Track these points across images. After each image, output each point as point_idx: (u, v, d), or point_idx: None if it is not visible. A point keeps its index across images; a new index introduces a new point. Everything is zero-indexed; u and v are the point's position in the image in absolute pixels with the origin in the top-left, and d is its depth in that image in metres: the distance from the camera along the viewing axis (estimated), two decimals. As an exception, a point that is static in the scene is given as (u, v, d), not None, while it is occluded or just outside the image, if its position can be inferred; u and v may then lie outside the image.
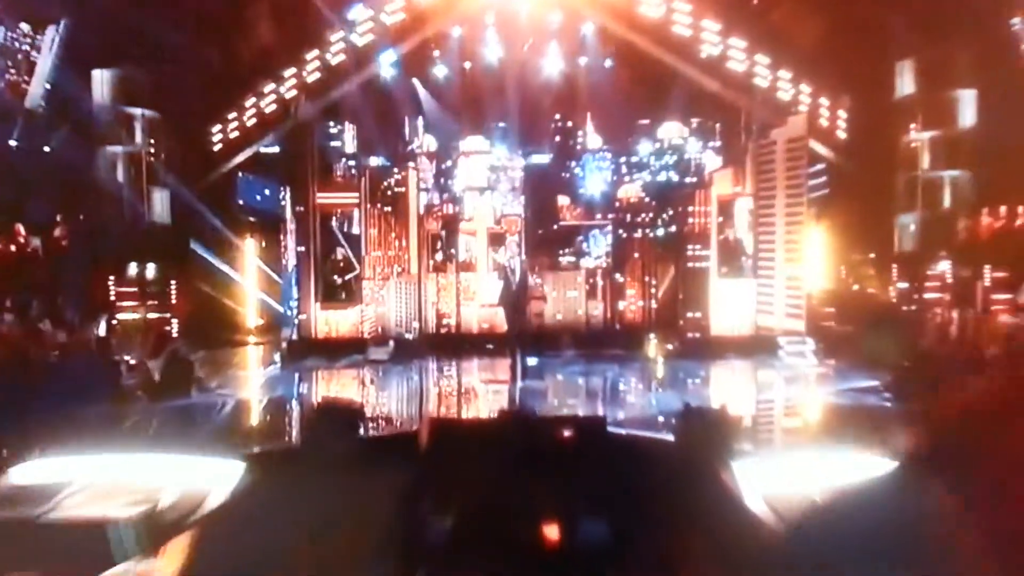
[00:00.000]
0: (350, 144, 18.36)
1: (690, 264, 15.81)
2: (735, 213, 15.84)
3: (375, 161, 17.48)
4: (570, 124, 18.45)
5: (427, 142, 18.14)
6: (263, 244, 17.44)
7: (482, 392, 13.45)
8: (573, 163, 18.30)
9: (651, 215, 16.83)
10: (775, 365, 14.63)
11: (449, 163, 17.92)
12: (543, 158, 17.79)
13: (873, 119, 16.81)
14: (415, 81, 18.52)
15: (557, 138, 18.29)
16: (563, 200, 17.49)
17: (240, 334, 17.19)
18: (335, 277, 16.37)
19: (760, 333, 15.59)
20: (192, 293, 16.62)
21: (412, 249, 15.97)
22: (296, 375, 14.34)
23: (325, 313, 15.81)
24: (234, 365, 15.30)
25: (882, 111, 16.78)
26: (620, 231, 16.69)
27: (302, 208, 15.89)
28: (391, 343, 15.58)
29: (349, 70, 17.49)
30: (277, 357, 15.42)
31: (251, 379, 14.65)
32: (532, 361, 14.42)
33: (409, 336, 15.70)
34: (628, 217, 16.81)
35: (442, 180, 17.73)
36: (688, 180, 17.38)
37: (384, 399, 13.12)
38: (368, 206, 15.99)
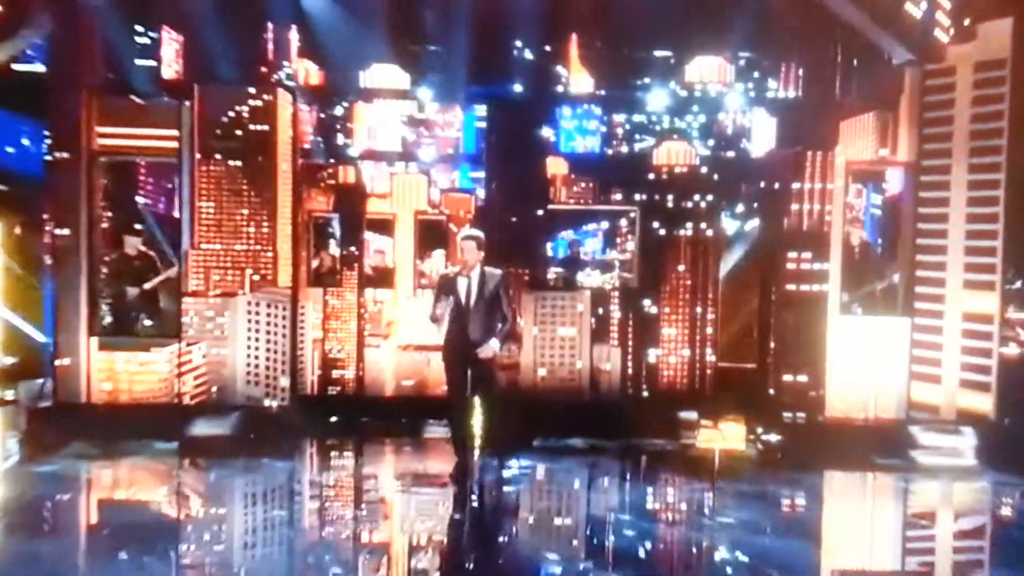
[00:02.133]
0: (170, 59, 13.51)
1: (788, 287, 11.00)
2: (873, 199, 11.73)
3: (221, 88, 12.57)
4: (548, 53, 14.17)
5: (304, 69, 13.82)
6: (17, 229, 12.76)
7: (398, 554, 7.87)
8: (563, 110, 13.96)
9: (713, 198, 11.77)
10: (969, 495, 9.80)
11: (345, 106, 13.49)
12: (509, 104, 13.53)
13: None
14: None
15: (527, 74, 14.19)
16: (557, 168, 12.87)
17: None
18: (128, 289, 11.52)
19: (916, 415, 10.91)
20: None
21: (280, 242, 11.14)
22: (35, 487, 9.13)
23: (107, 356, 10.99)
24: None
25: None
26: (654, 224, 11.75)
27: (68, 155, 10.73)
28: (234, 416, 10.86)
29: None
30: (13, 442, 10.51)
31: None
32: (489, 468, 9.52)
33: (271, 403, 11.10)
34: (670, 200, 11.75)
35: (334, 132, 13.37)
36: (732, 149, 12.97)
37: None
38: (198, 157, 10.90)
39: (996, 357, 10.62)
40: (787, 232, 11.00)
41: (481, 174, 12.84)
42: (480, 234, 9.27)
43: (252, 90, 11.06)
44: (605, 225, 13.16)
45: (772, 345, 11.17)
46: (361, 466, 10.74)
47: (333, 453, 11.09)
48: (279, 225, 11.15)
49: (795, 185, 10.97)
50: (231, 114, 10.94)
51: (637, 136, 13.27)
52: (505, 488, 9.40)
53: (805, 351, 10.95)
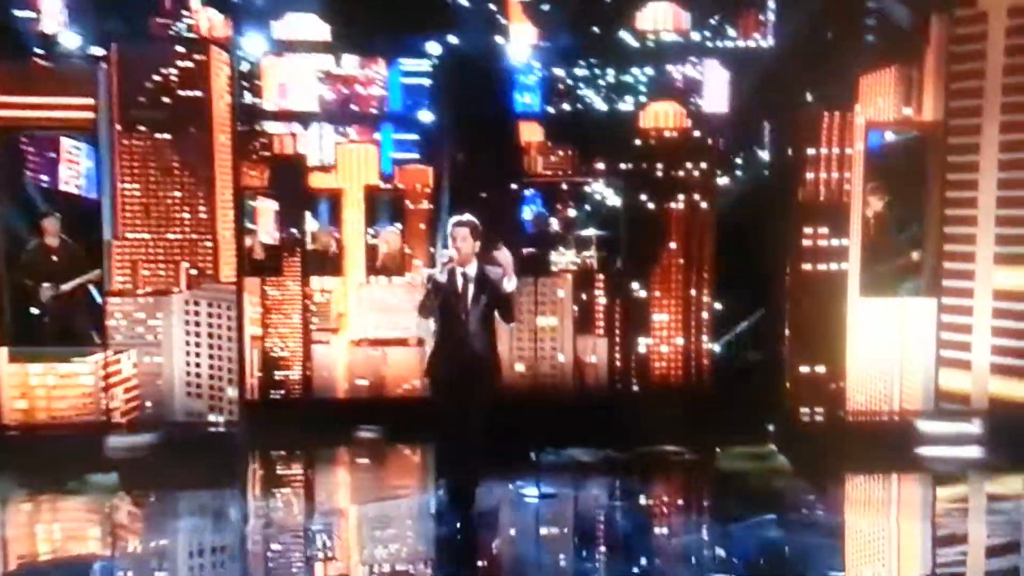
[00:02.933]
0: (52, 10, 12.34)
1: (805, 266, 10.42)
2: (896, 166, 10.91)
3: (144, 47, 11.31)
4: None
5: (207, 19, 12.90)
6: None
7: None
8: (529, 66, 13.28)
9: (708, 166, 11.23)
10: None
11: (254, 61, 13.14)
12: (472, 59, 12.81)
13: None
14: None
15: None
16: (531, 134, 11.95)
17: None
18: (43, 287, 10.56)
19: (947, 407, 10.54)
20: None
21: (221, 228, 10.20)
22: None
23: (20, 368, 10.08)
24: None
25: None
26: (640, 195, 11.23)
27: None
28: (168, 434, 10.00)
29: None
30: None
31: None
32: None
33: (216, 417, 10.18)
34: (659, 169, 11.16)
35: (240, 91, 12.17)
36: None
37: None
38: (118, 129, 9.90)
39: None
40: (802, 204, 10.36)
41: (410, 136, 12.40)
42: (475, 220, 8.14)
43: (181, 49, 9.94)
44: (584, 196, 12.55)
45: (788, 333, 10.58)
46: (317, 493, 10.13)
47: (281, 472, 10.46)
48: (218, 208, 10.14)
49: (810, 150, 10.31)
50: (157, 78, 9.82)
51: (618, 96, 12.85)
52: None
53: (822, 339, 10.40)
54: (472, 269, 8.12)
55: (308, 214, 11.67)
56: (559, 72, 13.51)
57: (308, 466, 10.70)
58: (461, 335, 8.07)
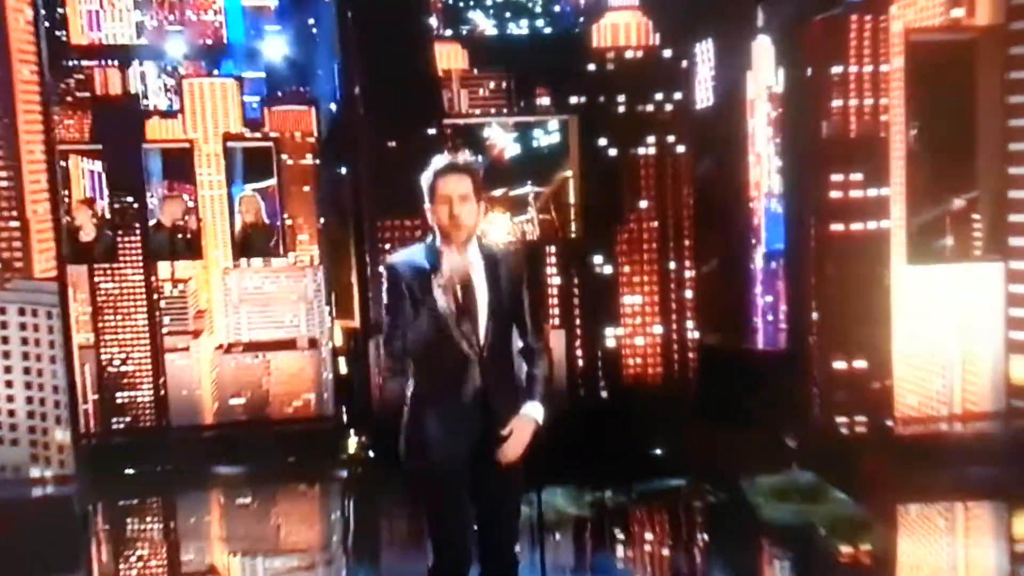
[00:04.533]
0: None
1: (833, 226, 8.49)
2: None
3: None
4: None
5: None
6: None
7: None
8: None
9: (684, 96, 9.22)
10: None
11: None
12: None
13: None
14: None
15: None
16: (451, 59, 9.69)
17: None
18: None
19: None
20: None
21: (31, 202, 7.99)
22: None
23: None
24: None
25: None
26: (599, 140, 9.22)
27: None
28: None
29: None
30: None
31: None
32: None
33: (40, 471, 7.96)
34: (620, 103, 9.19)
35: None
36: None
37: None
38: None
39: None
40: (825, 143, 8.45)
41: (255, 74, 9.94)
42: (476, 164, 4.21)
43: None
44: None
45: (816, 316, 8.63)
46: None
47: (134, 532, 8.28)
48: (26, 174, 7.91)
49: (834, 68, 8.36)
50: None
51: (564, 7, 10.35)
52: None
53: (861, 323, 8.51)
54: (473, 255, 4.17)
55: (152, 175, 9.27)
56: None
57: (168, 518, 8.70)
58: (467, 374, 4.27)
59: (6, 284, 7.85)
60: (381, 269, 4.65)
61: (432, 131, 9.00)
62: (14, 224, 7.86)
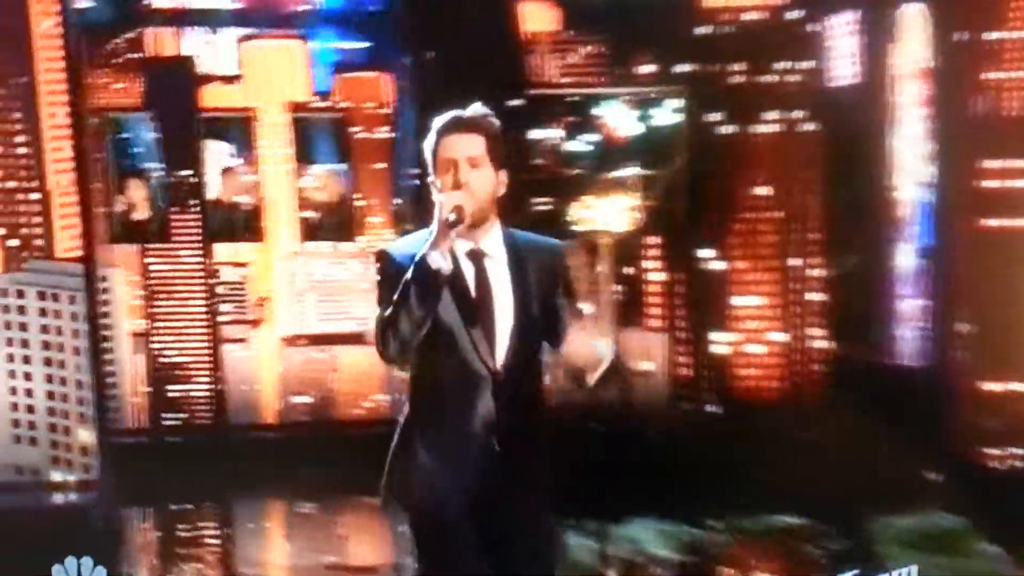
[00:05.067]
0: None
1: (986, 221, 7.54)
2: None
3: None
4: None
5: None
6: None
7: None
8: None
9: (815, 64, 8.29)
10: None
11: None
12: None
13: None
14: None
15: None
16: (538, 20, 8.63)
17: None
18: None
19: None
20: None
21: (53, 172, 7.62)
22: None
23: None
24: None
25: None
26: (710, 114, 8.41)
27: None
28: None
29: None
30: None
31: None
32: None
33: (62, 476, 7.65)
34: (737, 72, 8.35)
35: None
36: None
37: None
38: None
39: None
40: (977, 123, 7.48)
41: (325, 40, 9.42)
42: (491, 119, 3.15)
43: None
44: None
45: (971, 328, 7.66)
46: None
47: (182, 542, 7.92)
48: (47, 139, 7.74)
49: (990, 35, 7.33)
50: None
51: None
52: None
53: (1021, 338, 7.48)
54: (494, 244, 3.20)
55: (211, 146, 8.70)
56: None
57: (225, 526, 8.29)
58: (483, 415, 3.27)
59: (24, 265, 7.43)
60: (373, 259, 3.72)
61: (515, 102, 8.02)
62: (34, 197, 7.45)
